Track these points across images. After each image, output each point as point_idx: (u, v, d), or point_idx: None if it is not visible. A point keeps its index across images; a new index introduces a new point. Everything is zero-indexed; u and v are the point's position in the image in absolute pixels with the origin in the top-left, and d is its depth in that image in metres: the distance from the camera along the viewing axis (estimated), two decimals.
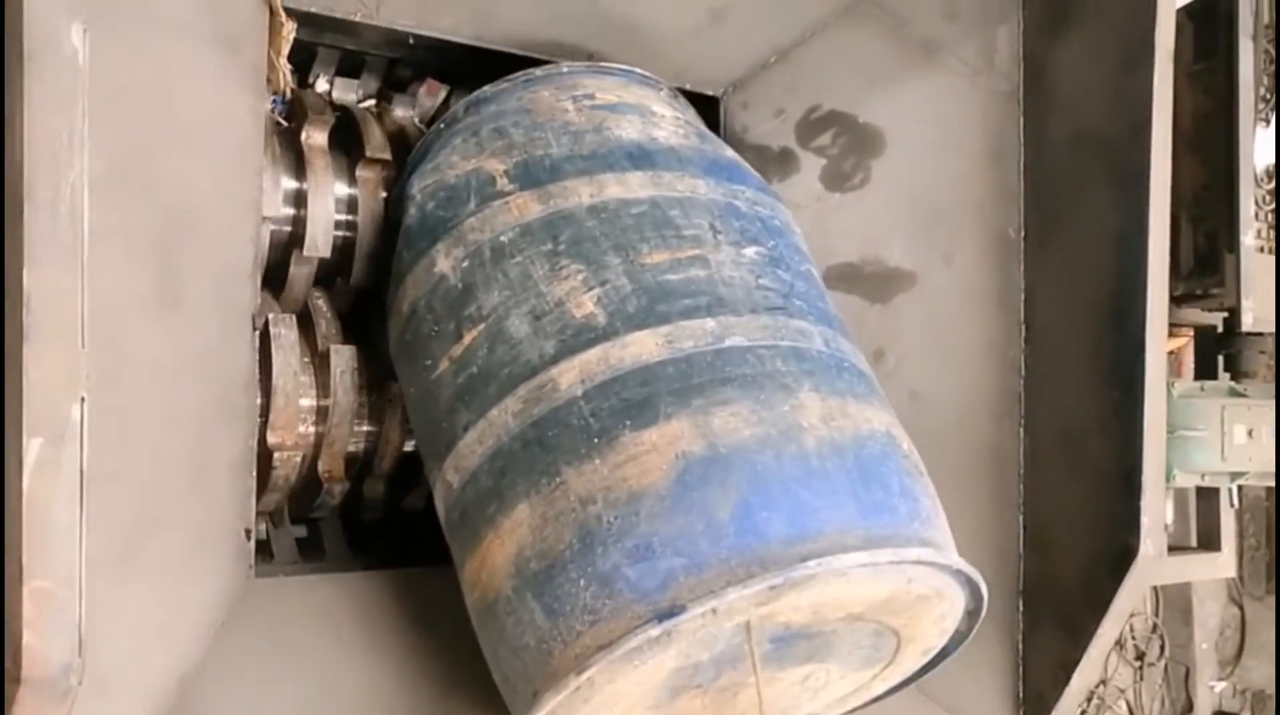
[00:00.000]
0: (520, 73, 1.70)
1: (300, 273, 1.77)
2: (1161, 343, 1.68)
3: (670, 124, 1.67)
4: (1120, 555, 1.69)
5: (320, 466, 1.76)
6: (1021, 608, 1.87)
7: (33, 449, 0.94)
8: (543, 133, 1.58)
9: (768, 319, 1.43)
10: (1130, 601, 1.71)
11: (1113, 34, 1.74)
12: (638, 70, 1.77)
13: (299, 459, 1.74)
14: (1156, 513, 1.68)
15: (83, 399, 0.99)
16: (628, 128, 1.60)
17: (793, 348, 1.41)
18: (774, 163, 2.06)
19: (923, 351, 1.99)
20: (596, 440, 1.31)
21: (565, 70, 1.71)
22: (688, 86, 2.05)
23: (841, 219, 2.03)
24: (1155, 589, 3.33)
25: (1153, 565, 1.68)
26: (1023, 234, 1.93)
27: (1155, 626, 3.39)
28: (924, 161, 2.00)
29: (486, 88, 1.70)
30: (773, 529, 1.22)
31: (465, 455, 1.43)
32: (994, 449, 1.93)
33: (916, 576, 1.32)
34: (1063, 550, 1.83)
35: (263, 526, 1.83)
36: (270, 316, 1.69)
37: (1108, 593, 1.70)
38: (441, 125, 1.70)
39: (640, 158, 1.55)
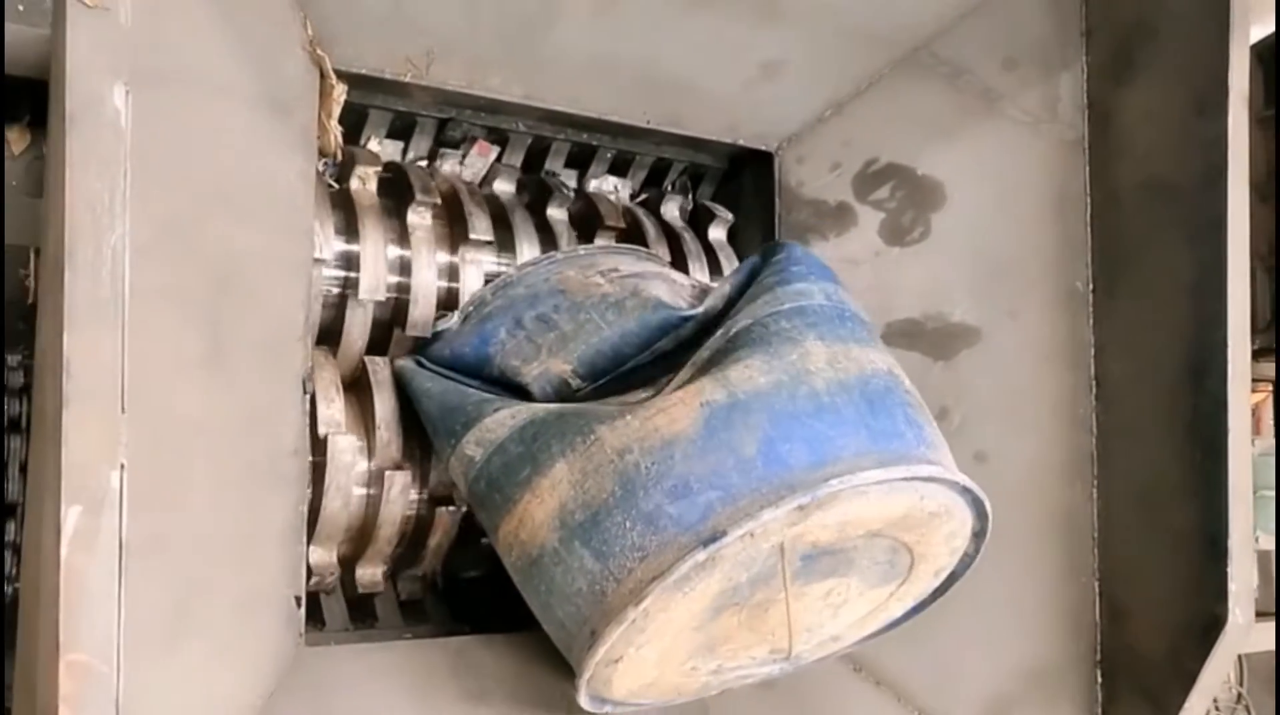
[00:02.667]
0: (542, 256, 1.79)
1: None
2: (1245, 400, 1.60)
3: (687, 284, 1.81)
4: (1207, 624, 1.59)
5: (359, 574, 1.75)
6: (1100, 680, 1.78)
7: (71, 517, 0.92)
8: (588, 313, 1.65)
9: (768, 295, 1.59)
10: (1219, 673, 1.61)
11: (1182, 78, 1.68)
12: (643, 249, 1.90)
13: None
14: (1245, 578, 1.58)
15: (123, 466, 0.97)
16: (660, 289, 1.71)
17: (795, 307, 1.57)
18: (830, 217, 2.02)
19: (989, 410, 1.92)
20: (597, 284, 1.62)
21: (581, 252, 1.82)
22: (741, 142, 2.03)
23: (901, 274, 1.98)
24: (1240, 656, 3.18)
25: (1242, 634, 1.58)
26: (1091, 287, 1.86)
27: (1240, 696, 3.23)
28: (986, 214, 1.94)
29: (511, 270, 1.76)
30: (796, 458, 1.37)
31: (491, 429, 1.56)
32: (1066, 512, 1.85)
33: (928, 494, 1.47)
34: (1142, 619, 1.74)
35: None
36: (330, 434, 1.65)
37: (1194, 664, 1.61)
38: (471, 309, 1.73)
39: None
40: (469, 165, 1.94)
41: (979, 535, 1.62)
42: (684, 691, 1.62)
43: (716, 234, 2.13)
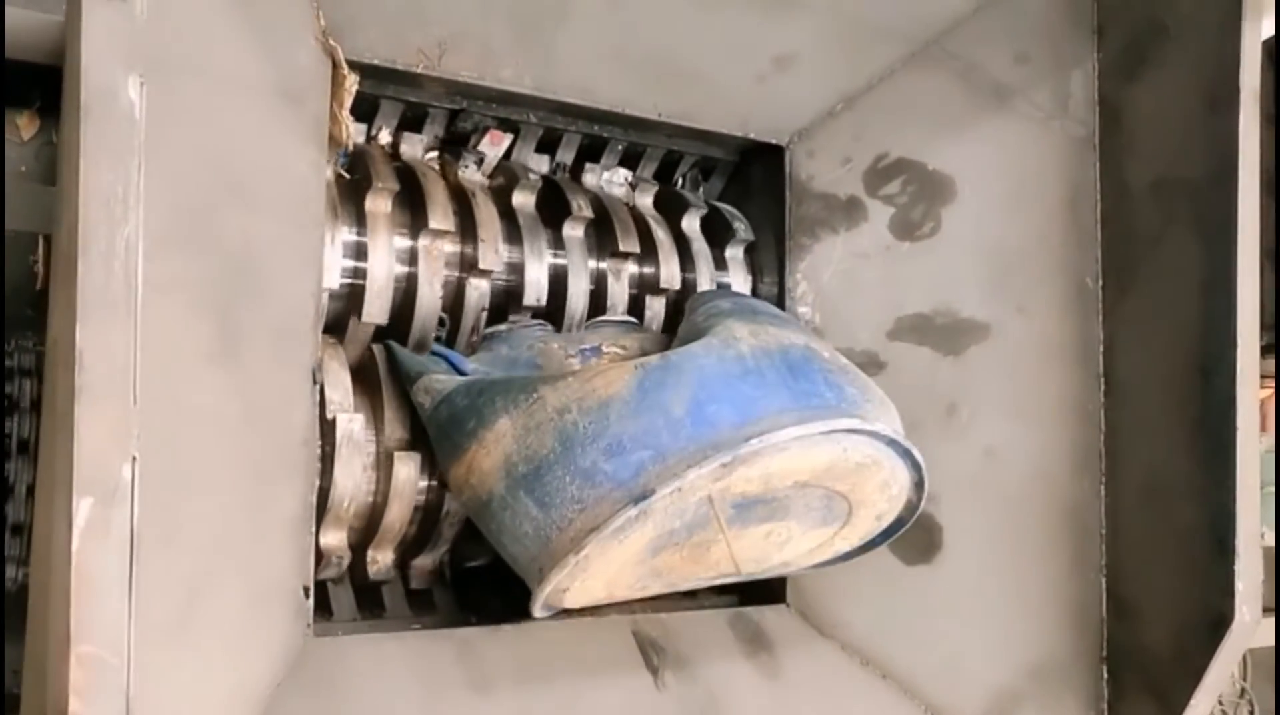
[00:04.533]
0: (536, 323, 1.87)
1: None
2: (1253, 397, 1.59)
3: None
4: (1214, 621, 1.59)
5: (370, 557, 1.76)
6: (1106, 676, 1.78)
7: (83, 509, 0.92)
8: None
9: (686, 322, 1.77)
10: (1226, 670, 1.61)
11: (1194, 75, 1.68)
12: (631, 318, 1.97)
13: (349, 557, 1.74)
14: (1253, 576, 1.58)
15: (134, 458, 0.97)
16: None
17: (711, 309, 1.73)
18: (841, 211, 2.02)
19: (998, 406, 1.92)
20: (571, 363, 1.75)
21: (573, 332, 1.90)
22: (752, 136, 2.02)
23: (911, 269, 1.97)
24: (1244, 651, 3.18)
25: (1249, 632, 1.58)
26: (1101, 283, 1.85)
27: (1244, 691, 3.23)
28: (996, 209, 1.94)
29: (502, 327, 1.83)
30: (722, 417, 1.47)
31: (440, 380, 1.66)
32: (1074, 508, 1.85)
33: (850, 446, 1.55)
34: (1149, 615, 1.74)
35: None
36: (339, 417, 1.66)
37: (1200, 661, 1.61)
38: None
39: None
40: (484, 151, 1.93)
41: (919, 485, 1.68)
42: (638, 597, 1.76)
43: (733, 252, 2.11)
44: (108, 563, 0.95)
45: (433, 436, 1.67)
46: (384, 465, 1.72)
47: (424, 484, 1.78)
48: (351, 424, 1.65)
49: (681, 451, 1.45)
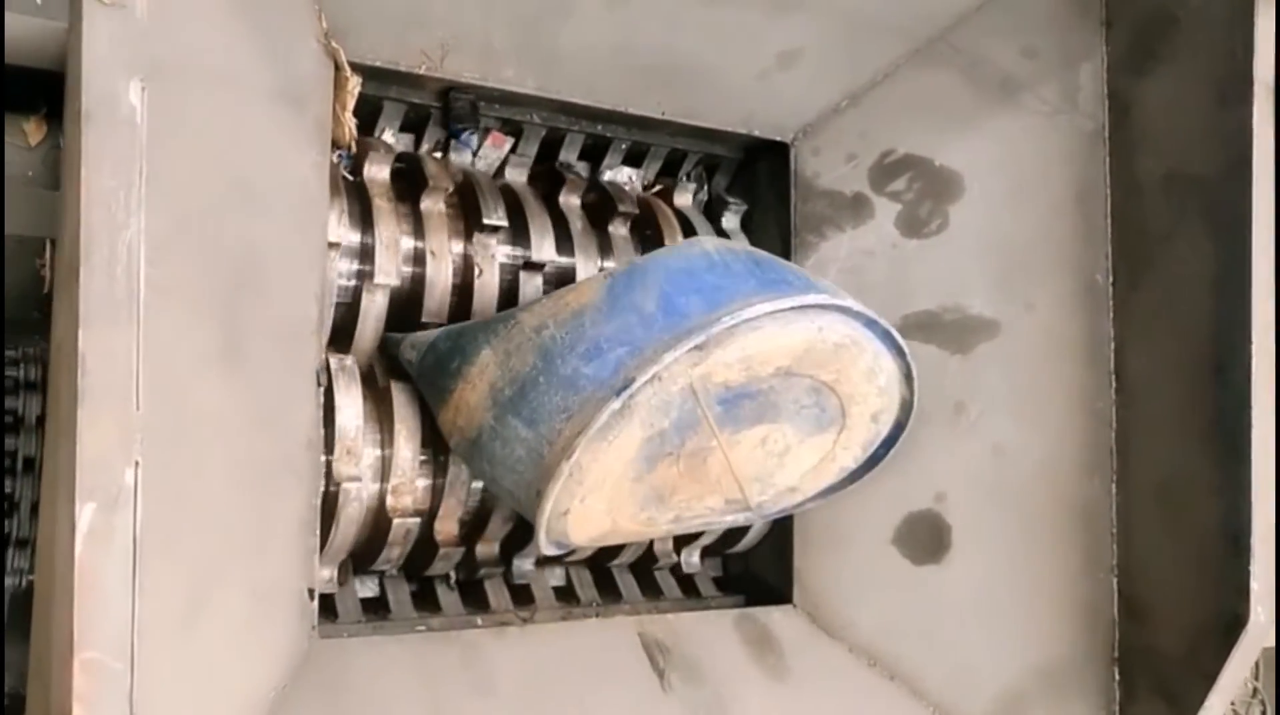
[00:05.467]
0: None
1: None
2: (1269, 395, 1.57)
3: None
4: (1228, 623, 1.58)
5: (437, 529, 1.75)
6: (1118, 678, 1.76)
7: (85, 515, 0.91)
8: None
9: None
10: (1240, 672, 1.59)
11: (1205, 67, 1.66)
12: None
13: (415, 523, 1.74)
14: (1268, 577, 1.56)
15: (137, 462, 0.96)
16: None
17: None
18: (847, 209, 2.00)
19: (1006, 404, 1.91)
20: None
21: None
22: (756, 133, 2.00)
23: (919, 266, 1.96)
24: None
25: (1265, 632, 1.57)
26: (1111, 280, 1.84)
27: (1255, 691, 3.21)
28: (1004, 205, 1.92)
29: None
30: (692, 307, 1.48)
31: (421, 335, 1.70)
32: (1084, 507, 1.83)
33: (825, 325, 1.54)
34: (1162, 616, 1.72)
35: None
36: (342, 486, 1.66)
37: (1214, 663, 1.59)
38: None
39: None
40: (483, 157, 1.92)
41: (908, 377, 1.66)
42: (646, 536, 1.79)
43: (730, 223, 2.13)
44: (111, 568, 0.94)
45: (423, 389, 1.71)
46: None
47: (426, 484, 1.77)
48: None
49: (657, 342, 1.46)
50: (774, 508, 1.76)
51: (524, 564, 1.90)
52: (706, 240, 1.66)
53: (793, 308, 1.49)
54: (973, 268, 1.94)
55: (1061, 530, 1.85)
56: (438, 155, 1.92)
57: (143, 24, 1.00)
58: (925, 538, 1.91)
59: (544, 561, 1.93)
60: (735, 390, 1.54)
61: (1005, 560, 1.89)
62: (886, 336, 1.61)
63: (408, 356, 1.70)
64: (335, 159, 1.76)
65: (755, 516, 1.75)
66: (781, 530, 2.03)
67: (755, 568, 2.12)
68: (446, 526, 1.80)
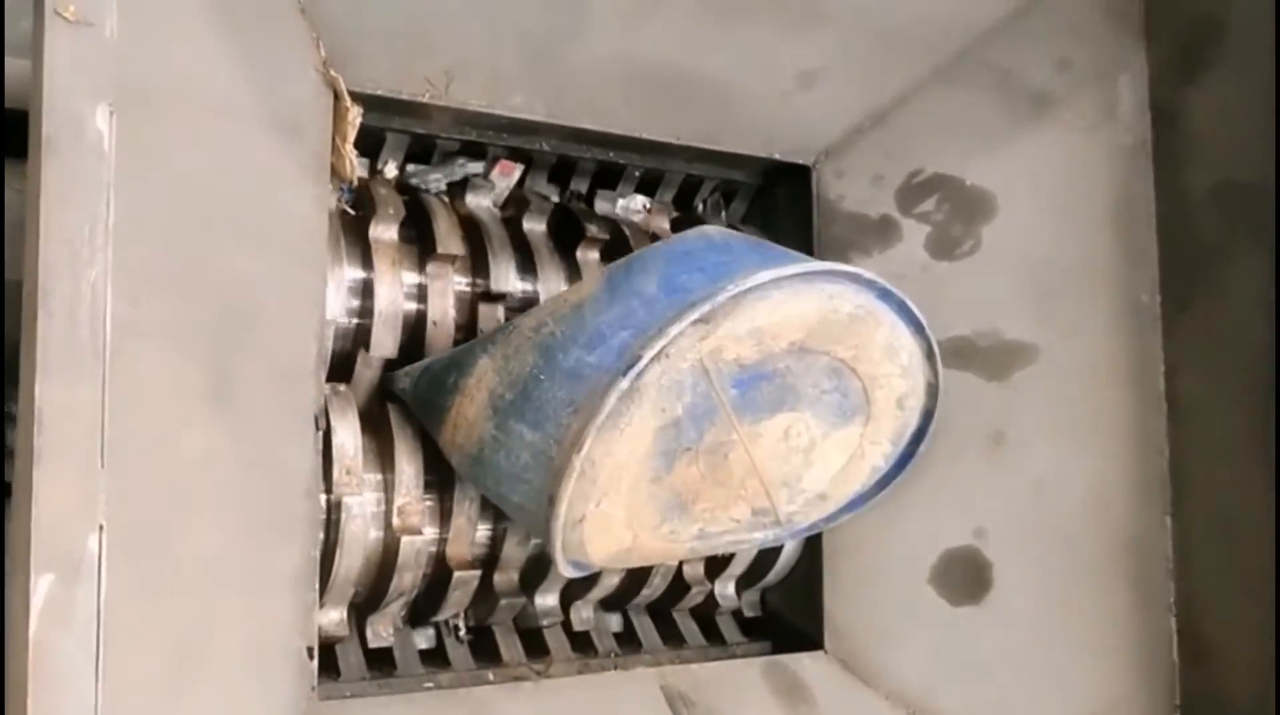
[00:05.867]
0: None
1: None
2: None
3: None
4: None
5: (448, 554, 1.67)
6: None
7: (41, 588, 0.82)
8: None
9: None
10: None
11: (1256, 73, 1.56)
12: None
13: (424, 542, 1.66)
14: None
15: (101, 527, 0.87)
16: None
17: None
18: (873, 232, 1.91)
19: (1049, 433, 1.80)
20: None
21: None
22: (776, 157, 1.92)
23: (951, 289, 1.86)
24: None
25: None
26: (1159, 299, 1.74)
27: None
28: (1041, 224, 1.83)
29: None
30: (695, 283, 1.42)
31: (413, 365, 1.66)
32: (1137, 542, 1.73)
33: (835, 293, 1.48)
34: (1226, 658, 1.61)
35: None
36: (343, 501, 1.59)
37: None
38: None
39: None
40: (492, 185, 1.84)
41: (931, 357, 1.60)
42: (672, 557, 1.67)
43: None
44: (71, 648, 0.85)
45: (420, 415, 1.65)
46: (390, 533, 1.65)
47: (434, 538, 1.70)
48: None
49: (661, 319, 1.39)
50: (805, 521, 1.66)
51: (546, 599, 1.81)
52: (706, 228, 1.63)
53: (799, 274, 1.44)
54: (1008, 290, 1.84)
55: (1113, 566, 1.75)
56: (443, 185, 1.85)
57: (112, 44, 0.92)
58: (964, 576, 1.81)
59: (568, 593, 1.83)
60: (750, 370, 1.46)
61: (1052, 600, 1.78)
62: (903, 309, 1.55)
63: (401, 386, 1.65)
64: (337, 193, 1.69)
65: (785, 534, 1.66)
66: (810, 569, 1.93)
67: (783, 610, 2.02)
68: (457, 550, 1.71)
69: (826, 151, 1.94)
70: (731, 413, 1.46)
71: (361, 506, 1.59)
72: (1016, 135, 1.84)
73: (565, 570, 1.51)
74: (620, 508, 1.47)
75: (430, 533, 1.69)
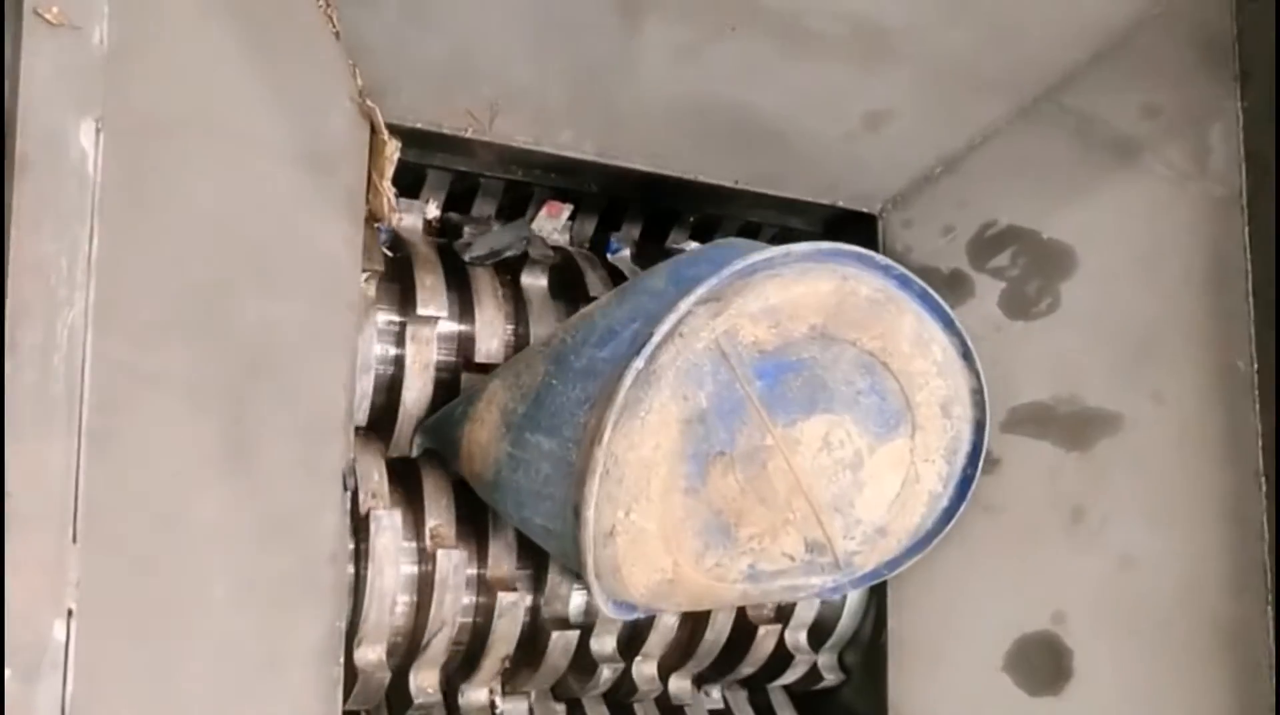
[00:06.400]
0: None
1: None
2: None
3: None
4: None
5: (413, 681, 1.54)
6: None
7: None
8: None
9: None
10: None
11: None
12: None
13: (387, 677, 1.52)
14: None
15: (70, 611, 0.75)
16: None
17: None
18: (943, 287, 1.77)
19: (1135, 508, 1.66)
20: None
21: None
22: (840, 204, 1.81)
23: (1027, 351, 1.73)
24: None
25: None
26: (1255, 366, 1.59)
27: None
28: (1124, 282, 1.70)
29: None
30: (703, 272, 1.38)
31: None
32: (1235, 632, 1.57)
33: (849, 274, 1.44)
34: None
35: None
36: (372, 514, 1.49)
37: None
38: None
39: None
40: (537, 228, 1.74)
41: (968, 357, 1.54)
42: (721, 599, 1.53)
43: None
44: None
45: (437, 447, 1.60)
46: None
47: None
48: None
49: (671, 304, 1.35)
50: (866, 564, 1.55)
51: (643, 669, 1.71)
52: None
53: (808, 253, 1.41)
54: (1089, 353, 1.71)
55: (1207, 658, 1.59)
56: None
57: (102, 53, 0.81)
58: (1042, 664, 1.66)
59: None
60: (771, 358, 1.40)
61: (1138, 693, 1.63)
62: (925, 299, 1.50)
63: (420, 441, 1.61)
64: (376, 232, 1.59)
65: (845, 581, 1.56)
66: (874, 651, 1.80)
67: (844, 696, 1.87)
68: (498, 572, 1.61)
69: (894, 199, 1.83)
70: (760, 407, 1.39)
71: (391, 520, 1.49)
72: (1098, 185, 1.72)
73: (604, 605, 1.43)
74: (653, 521, 1.38)
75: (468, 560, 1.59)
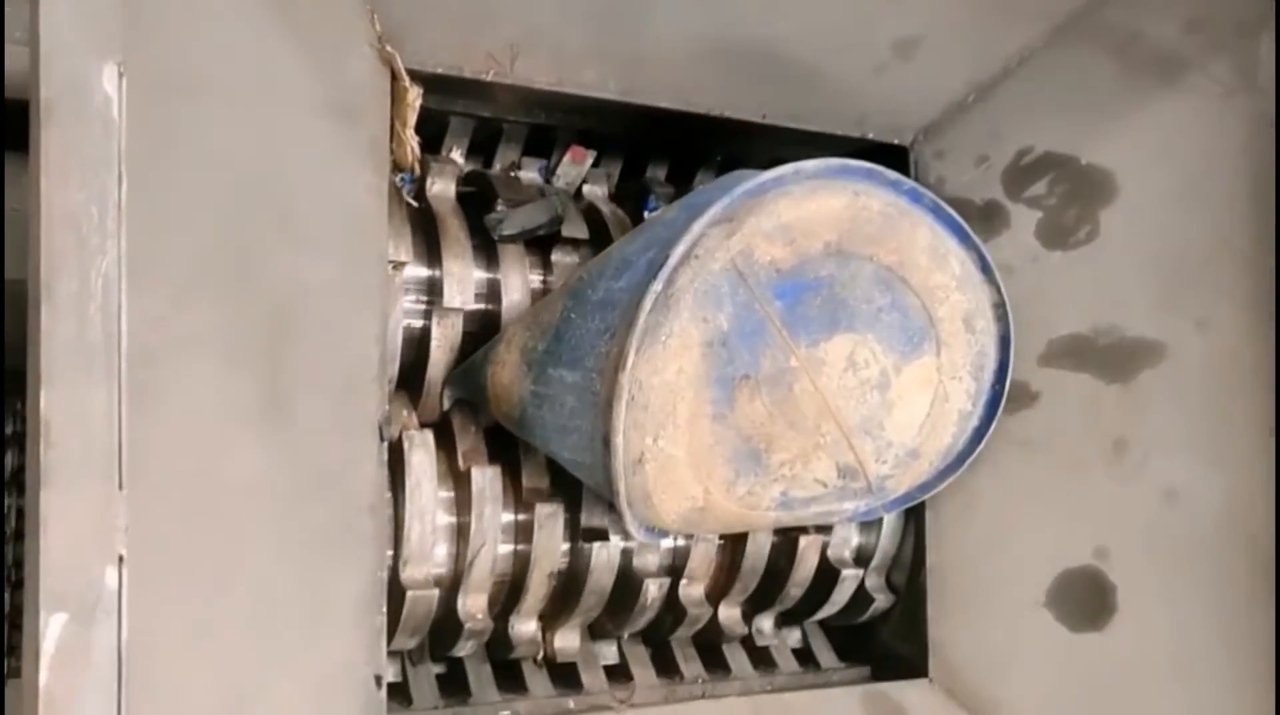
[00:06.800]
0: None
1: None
2: None
3: None
4: None
5: (461, 606, 1.52)
6: None
7: (52, 630, 0.69)
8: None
9: None
10: None
11: None
12: None
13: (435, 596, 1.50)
14: None
15: (120, 558, 0.74)
16: None
17: None
18: (977, 219, 1.75)
19: (1178, 440, 1.62)
20: None
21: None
22: (870, 136, 1.77)
23: (1065, 281, 1.69)
24: None
25: None
26: None
27: None
28: (1167, 207, 1.65)
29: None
30: (715, 197, 1.39)
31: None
32: None
33: (860, 190, 1.46)
34: None
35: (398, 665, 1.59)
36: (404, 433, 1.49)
37: None
38: None
39: None
40: (561, 175, 1.72)
41: (987, 271, 1.57)
42: (754, 526, 1.58)
43: None
44: (86, 697, 0.72)
45: (466, 396, 1.61)
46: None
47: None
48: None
49: (685, 233, 1.36)
50: (899, 487, 1.59)
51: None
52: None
53: (817, 169, 1.43)
54: (1131, 281, 1.67)
55: (1252, 592, 1.55)
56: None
57: None
58: (1084, 600, 1.65)
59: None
60: (789, 276, 1.42)
61: (1185, 626, 1.61)
62: (939, 213, 1.52)
63: (449, 392, 1.60)
64: (397, 182, 1.57)
65: (878, 505, 1.59)
66: (914, 590, 1.79)
67: (883, 632, 1.87)
68: (533, 484, 1.62)
69: (925, 130, 1.79)
70: (782, 328, 1.41)
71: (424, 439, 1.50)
72: (1140, 106, 1.66)
73: (636, 533, 1.45)
74: (681, 447, 1.39)
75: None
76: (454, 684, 1.62)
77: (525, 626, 1.62)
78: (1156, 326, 1.65)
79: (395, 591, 1.42)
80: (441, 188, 1.62)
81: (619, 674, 1.68)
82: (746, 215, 1.39)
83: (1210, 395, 1.62)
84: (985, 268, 1.57)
